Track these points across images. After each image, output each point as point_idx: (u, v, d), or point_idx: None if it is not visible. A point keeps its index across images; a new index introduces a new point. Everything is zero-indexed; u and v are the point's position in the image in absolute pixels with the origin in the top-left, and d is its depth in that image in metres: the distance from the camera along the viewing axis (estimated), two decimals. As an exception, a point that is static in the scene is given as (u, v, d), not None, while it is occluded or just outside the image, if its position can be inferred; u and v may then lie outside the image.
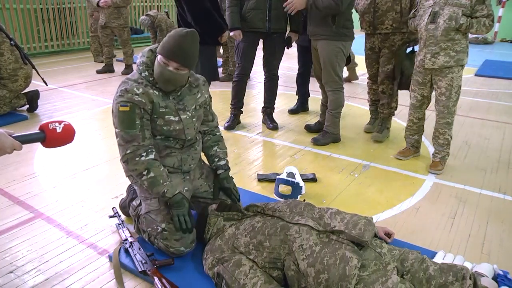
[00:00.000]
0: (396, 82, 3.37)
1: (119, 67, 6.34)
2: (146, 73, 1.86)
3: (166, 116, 1.88)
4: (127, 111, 1.79)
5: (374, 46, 3.42)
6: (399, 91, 3.50)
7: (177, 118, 1.91)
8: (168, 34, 1.82)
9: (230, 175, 2.19)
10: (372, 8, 3.23)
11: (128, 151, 1.82)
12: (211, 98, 2.16)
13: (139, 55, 1.93)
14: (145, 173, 1.82)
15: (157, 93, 1.87)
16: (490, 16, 2.64)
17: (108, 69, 6.20)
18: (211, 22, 3.07)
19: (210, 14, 3.04)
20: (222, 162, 2.17)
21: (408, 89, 3.31)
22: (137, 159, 1.82)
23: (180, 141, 1.97)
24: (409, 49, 3.32)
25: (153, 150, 1.87)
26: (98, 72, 6.17)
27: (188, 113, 1.95)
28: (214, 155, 2.17)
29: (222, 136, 2.25)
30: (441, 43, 2.75)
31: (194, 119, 1.99)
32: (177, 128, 1.92)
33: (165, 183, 1.84)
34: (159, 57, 1.81)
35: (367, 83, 3.72)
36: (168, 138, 1.95)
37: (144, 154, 1.83)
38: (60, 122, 1.35)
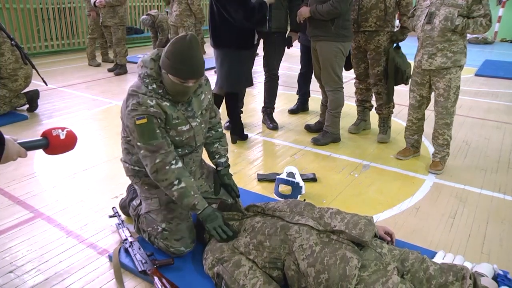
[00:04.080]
0: (392, 79, 3.36)
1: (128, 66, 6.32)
2: (154, 86, 1.80)
3: (179, 128, 1.86)
4: (145, 123, 1.74)
5: (360, 46, 3.42)
6: (397, 91, 3.50)
7: (188, 127, 1.88)
8: (170, 50, 1.71)
9: (230, 172, 2.20)
10: (356, 5, 3.25)
11: (158, 160, 1.76)
12: (212, 95, 2.10)
13: (139, 64, 1.84)
14: (176, 182, 1.77)
15: (168, 104, 1.82)
16: (487, 16, 2.63)
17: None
18: (261, 8, 3.07)
19: (255, 5, 3.05)
20: (223, 159, 2.18)
21: (404, 83, 3.35)
22: (167, 167, 1.76)
23: (188, 148, 1.95)
24: (394, 45, 3.34)
25: (179, 157, 1.85)
26: (112, 71, 6.13)
27: (197, 119, 1.93)
28: (215, 152, 2.18)
29: (224, 133, 2.25)
30: (437, 44, 2.75)
31: (202, 125, 1.98)
32: (188, 136, 1.90)
33: (195, 195, 1.79)
34: (172, 77, 1.73)
35: (354, 83, 3.72)
36: (177, 149, 1.92)
37: (174, 162, 1.78)
38: (63, 129, 1.34)
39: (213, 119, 2.17)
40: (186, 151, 1.96)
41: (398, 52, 3.33)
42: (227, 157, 2.21)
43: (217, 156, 2.18)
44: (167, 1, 5.79)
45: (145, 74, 1.80)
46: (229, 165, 2.20)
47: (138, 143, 1.78)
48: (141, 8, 9.39)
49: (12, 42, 3.84)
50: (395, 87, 3.51)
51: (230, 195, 2.16)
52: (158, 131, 1.77)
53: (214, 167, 2.22)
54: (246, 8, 2.96)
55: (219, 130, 2.22)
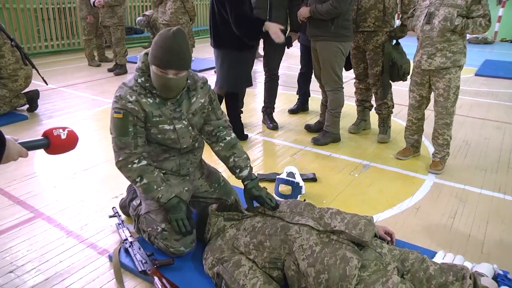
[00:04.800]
0: (387, 73, 3.35)
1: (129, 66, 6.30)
2: (142, 79, 1.81)
3: (160, 125, 1.85)
4: (121, 118, 1.78)
5: (359, 46, 3.42)
6: (397, 91, 3.50)
7: (171, 127, 1.87)
8: (155, 41, 1.72)
9: (258, 184, 2.00)
10: (355, 5, 3.25)
11: (121, 158, 1.82)
12: (211, 98, 2.04)
13: (138, 60, 1.88)
14: (138, 179, 1.82)
15: (151, 101, 1.82)
16: (486, 16, 2.63)
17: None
18: (252, 22, 3.08)
19: (244, 18, 3.06)
20: (245, 173, 1.99)
21: (400, 79, 3.35)
22: (129, 166, 1.82)
23: (175, 150, 1.96)
24: (394, 42, 3.35)
25: (145, 156, 1.86)
26: (112, 71, 6.13)
27: (183, 121, 1.90)
28: (234, 167, 2.01)
29: (236, 140, 2.07)
30: (437, 44, 2.74)
31: (190, 128, 1.93)
32: (172, 137, 1.89)
33: (159, 188, 1.84)
34: (154, 67, 1.74)
35: (354, 83, 3.72)
36: (162, 147, 1.93)
37: (136, 161, 1.82)
38: (64, 129, 1.34)
39: (214, 122, 2.04)
40: (177, 152, 1.96)
41: (397, 48, 3.32)
42: (249, 167, 2.02)
43: (237, 171, 2.01)
44: (158, 2, 5.74)
45: (137, 67, 1.84)
46: (255, 177, 2.01)
47: (111, 135, 1.85)
48: (141, 8, 9.38)
49: (12, 43, 3.84)
50: (395, 87, 3.51)
51: (265, 207, 1.94)
52: (130, 129, 1.79)
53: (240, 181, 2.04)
54: (236, 13, 2.96)
55: (228, 138, 2.04)
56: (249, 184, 1.98)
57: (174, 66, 1.72)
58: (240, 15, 2.98)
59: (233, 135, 2.08)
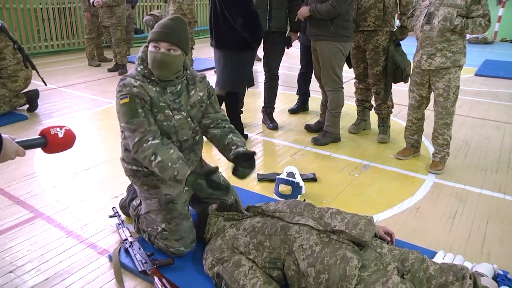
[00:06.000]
0: (390, 77, 3.34)
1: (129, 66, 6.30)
2: (142, 67, 1.87)
3: (166, 111, 1.88)
4: (128, 102, 1.79)
5: (359, 45, 3.42)
6: (397, 91, 3.49)
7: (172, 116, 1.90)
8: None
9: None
10: (355, 5, 3.24)
11: (136, 139, 1.76)
12: (210, 93, 2.04)
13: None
14: (152, 158, 1.73)
15: (154, 89, 1.86)
16: (486, 16, 2.63)
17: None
18: (258, 25, 3.09)
19: (257, 17, 3.06)
20: (242, 149, 1.91)
21: (404, 81, 3.35)
22: (144, 145, 1.75)
23: (176, 142, 1.96)
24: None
25: (160, 136, 1.80)
26: (112, 71, 6.14)
27: (183, 113, 1.93)
28: (230, 143, 1.94)
29: (234, 129, 2.06)
30: (437, 44, 2.74)
31: (189, 119, 1.96)
32: (175, 125, 1.91)
33: (174, 166, 1.70)
34: (149, 45, 1.82)
35: (354, 83, 3.71)
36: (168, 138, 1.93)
37: (151, 138, 1.76)
38: (61, 127, 1.34)
39: (212, 115, 2.04)
40: (178, 148, 1.95)
41: (398, 50, 3.33)
42: (245, 148, 1.94)
43: (234, 147, 1.92)
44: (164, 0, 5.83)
45: (138, 57, 1.90)
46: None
47: (122, 124, 1.84)
48: (141, 8, 9.38)
49: (15, 45, 3.85)
50: (396, 87, 3.50)
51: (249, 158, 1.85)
52: (140, 110, 1.80)
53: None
54: (249, 11, 2.95)
55: (227, 126, 2.05)
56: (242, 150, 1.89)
57: (166, 38, 1.78)
58: (253, 13, 2.97)
59: (231, 126, 2.08)
